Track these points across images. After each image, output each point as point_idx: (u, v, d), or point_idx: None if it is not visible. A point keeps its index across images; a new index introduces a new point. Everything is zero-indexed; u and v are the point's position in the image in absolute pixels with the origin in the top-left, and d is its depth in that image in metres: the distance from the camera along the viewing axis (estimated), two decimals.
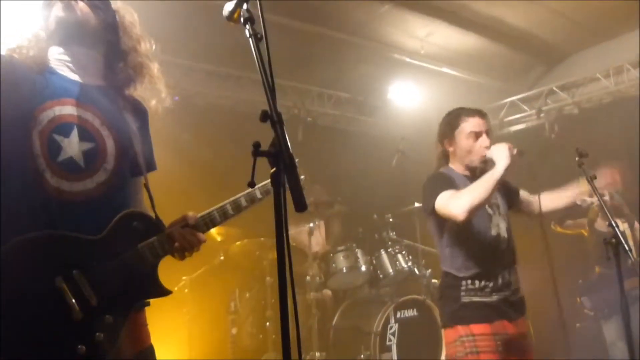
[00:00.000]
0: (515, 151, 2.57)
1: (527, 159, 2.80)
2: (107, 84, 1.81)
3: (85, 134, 1.63)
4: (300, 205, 1.66)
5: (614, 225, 2.91)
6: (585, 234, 4.87)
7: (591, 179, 2.92)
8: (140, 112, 1.89)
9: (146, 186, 1.81)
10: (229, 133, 5.14)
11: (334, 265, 4.57)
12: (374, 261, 4.65)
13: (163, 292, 1.71)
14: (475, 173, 2.69)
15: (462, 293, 2.58)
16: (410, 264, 4.67)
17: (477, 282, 2.57)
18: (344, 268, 4.54)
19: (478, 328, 2.52)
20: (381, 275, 4.61)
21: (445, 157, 2.83)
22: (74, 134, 1.61)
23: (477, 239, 2.61)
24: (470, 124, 2.69)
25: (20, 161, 1.53)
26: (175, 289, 4.64)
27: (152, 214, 1.78)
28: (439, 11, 5.35)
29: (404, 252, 4.69)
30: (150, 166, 1.88)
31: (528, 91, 6.80)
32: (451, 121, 2.79)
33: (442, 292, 2.75)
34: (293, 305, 1.44)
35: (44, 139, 1.56)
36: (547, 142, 6.39)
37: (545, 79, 6.88)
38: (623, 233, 4.52)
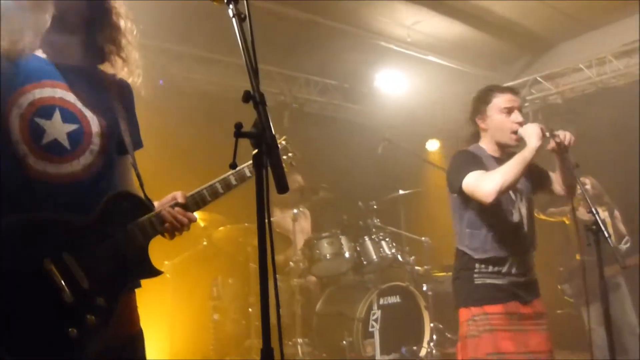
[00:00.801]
0: (548, 133, 2.51)
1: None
2: (88, 63, 1.76)
3: (68, 115, 1.59)
4: (282, 187, 1.64)
5: (595, 212, 2.94)
6: (567, 221, 4.93)
7: (574, 167, 2.95)
8: (124, 90, 1.84)
9: (134, 165, 1.78)
10: (216, 118, 5.09)
11: (318, 251, 4.57)
12: (357, 248, 4.65)
13: (154, 272, 1.69)
14: (505, 152, 2.68)
15: (475, 275, 2.61)
16: (394, 251, 4.68)
17: (490, 267, 2.60)
18: (328, 255, 4.55)
19: (491, 308, 2.55)
20: (365, 262, 4.62)
21: (476, 135, 2.80)
22: (57, 115, 1.57)
23: (498, 223, 2.62)
24: (502, 99, 2.65)
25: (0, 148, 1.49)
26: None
27: (141, 194, 1.76)
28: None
29: (387, 239, 4.70)
30: (137, 144, 1.84)
31: (513, 80, 6.82)
32: (483, 97, 2.73)
33: (457, 272, 2.73)
34: (274, 290, 1.44)
35: (25, 123, 1.52)
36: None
37: (530, 69, 6.92)
38: (603, 221, 4.60)
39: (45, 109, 1.56)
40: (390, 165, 5.44)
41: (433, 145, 6.83)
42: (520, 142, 2.59)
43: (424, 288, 4.66)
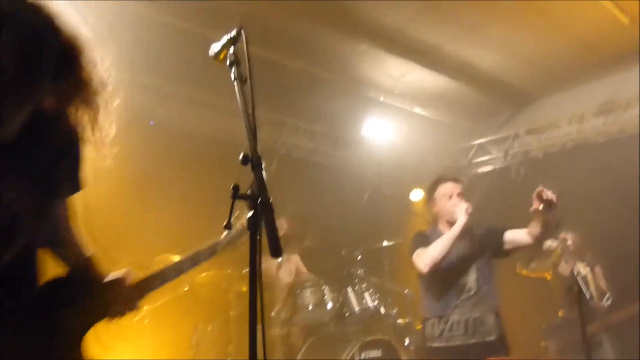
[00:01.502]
0: (471, 210, 3.07)
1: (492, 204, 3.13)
2: None
3: None
4: (276, 251, 1.66)
5: (576, 273, 3.05)
6: (549, 277, 4.97)
7: (556, 227, 3.12)
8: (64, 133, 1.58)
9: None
10: (205, 159, 5.10)
11: (300, 301, 4.52)
12: (340, 298, 4.60)
13: None
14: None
15: (426, 340, 3.13)
16: (376, 302, 4.64)
17: (436, 326, 3.09)
18: (311, 305, 4.49)
19: None
20: (347, 313, 4.56)
21: (434, 219, 3.39)
22: None
23: (447, 289, 3.10)
24: (444, 188, 3.28)
25: None
26: (135, 319, 4.49)
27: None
28: (414, 53, 5.50)
29: (371, 290, 4.67)
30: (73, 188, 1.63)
31: (496, 134, 7.00)
32: (431, 188, 3.39)
33: (419, 336, 3.41)
34: (263, 349, 1.45)
35: None
36: (513, 185, 6.57)
37: (512, 123, 7.10)
38: (585, 277, 4.67)
39: None
40: (376, 215, 5.46)
41: (417, 195, 6.89)
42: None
43: (406, 342, 4.61)
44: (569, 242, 4.80)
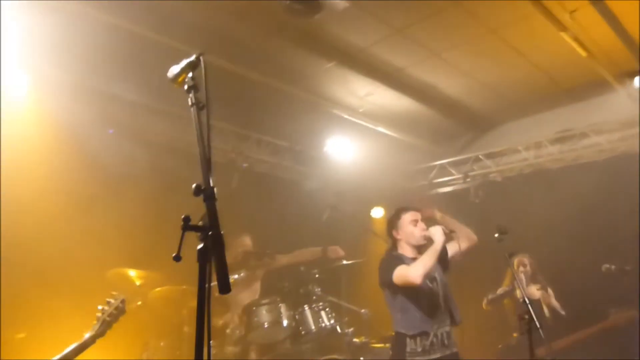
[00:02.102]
0: (447, 230, 3.55)
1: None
2: None
3: None
4: (225, 288, 1.64)
5: (527, 302, 3.18)
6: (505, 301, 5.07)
7: (509, 256, 3.35)
8: None
9: None
10: (162, 169, 5.01)
11: (256, 319, 4.47)
12: (296, 316, 4.58)
13: None
14: (419, 251, 3.60)
15: (408, 355, 3.36)
16: (332, 321, 4.64)
17: (418, 342, 3.38)
18: (266, 323, 4.45)
19: None
20: (303, 332, 4.54)
21: (394, 244, 3.76)
22: None
23: (422, 305, 3.42)
24: (409, 215, 3.69)
25: None
26: (86, 336, 4.37)
27: None
28: (379, 73, 5.57)
29: (327, 309, 4.67)
30: None
31: (456, 156, 7.13)
32: (395, 216, 3.75)
33: (393, 350, 3.57)
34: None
35: None
36: (472, 206, 6.70)
37: (474, 145, 7.26)
38: (538, 301, 4.79)
39: None
40: (335, 232, 5.47)
41: (378, 213, 6.95)
42: (428, 241, 3.56)
43: None
44: (527, 266, 4.93)
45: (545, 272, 5.11)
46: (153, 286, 4.57)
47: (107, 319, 2.83)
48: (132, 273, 4.56)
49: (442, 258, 3.61)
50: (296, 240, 5.56)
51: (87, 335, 2.49)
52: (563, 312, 4.78)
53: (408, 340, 3.40)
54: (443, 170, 7.20)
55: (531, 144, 6.53)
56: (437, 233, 3.50)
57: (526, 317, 3.27)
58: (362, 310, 4.92)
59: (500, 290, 5.03)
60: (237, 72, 5.14)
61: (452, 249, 3.72)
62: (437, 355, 3.37)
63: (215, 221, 1.72)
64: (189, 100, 1.96)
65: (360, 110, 6.12)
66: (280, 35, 4.83)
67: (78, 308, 4.16)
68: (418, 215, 3.70)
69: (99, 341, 4.40)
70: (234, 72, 5.11)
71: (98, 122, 4.92)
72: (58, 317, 4.01)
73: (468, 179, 6.92)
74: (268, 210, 5.74)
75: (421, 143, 7.06)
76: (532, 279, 4.98)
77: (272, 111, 5.97)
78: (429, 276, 3.45)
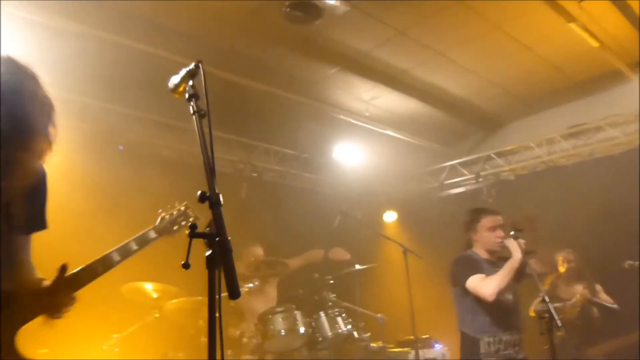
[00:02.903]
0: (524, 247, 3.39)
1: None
2: None
3: None
4: (234, 293, 1.63)
5: (547, 300, 3.11)
6: None
7: (527, 254, 3.28)
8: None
9: None
10: (173, 183, 5.03)
11: (272, 327, 4.44)
12: (312, 323, 4.56)
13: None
14: (494, 255, 3.55)
15: (482, 357, 3.32)
16: (349, 327, 4.60)
17: (492, 345, 3.33)
18: (282, 330, 4.42)
19: None
20: (320, 338, 4.51)
21: (469, 243, 3.68)
22: None
23: (494, 309, 3.35)
24: (488, 220, 3.59)
25: None
26: (105, 347, 4.38)
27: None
28: (383, 76, 5.57)
29: (343, 315, 4.63)
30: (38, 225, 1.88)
31: (467, 156, 7.08)
32: (475, 217, 3.67)
33: (464, 352, 3.48)
34: None
35: None
36: (485, 206, 6.61)
37: (484, 145, 7.21)
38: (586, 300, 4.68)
39: None
40: (347, 238, 5.44)
41: (391, 217, 6.92)
42: (503, 248, 3.48)
43: None
44: (572, 262, 4.86)
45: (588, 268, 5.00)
46: (169, 298, 4.57)
47: (167, 216, 2.54)
48: (148, 286, 4.55)
49: (520, 270, 3.49)
50: (308, 248, 5.55)
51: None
52: (616, 306, 4.67)
53: (481, 342, 3.37)
54: (454, 170, 7.15)
55: (543, 140, 6.44)
56: (515, 249, 3.38)
57: (546, 316, 3.17)
58: (378, 315, 4.88)
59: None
60: (241, 83, 5.18)
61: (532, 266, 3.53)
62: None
63: (222, 227, 1.71)
64: (190, 108, 1.96)
65: (367, 114, 6.11)
66: (282, 43, 4.86)
67: (95, 323, 4.20)
68: (497, 221, 3.60)
69: (118, 355, 4.44)
70: (238, 83, 5.15)
71: (107, 139, 4.98)
72: (77, 333, 4.03)
73: (480, 179, 6.85)
74: (278, 219, 5.74)
75: (430, 144, 7.03)
76: (578, 276, 4.89)
77: (278, 120, 6.00)
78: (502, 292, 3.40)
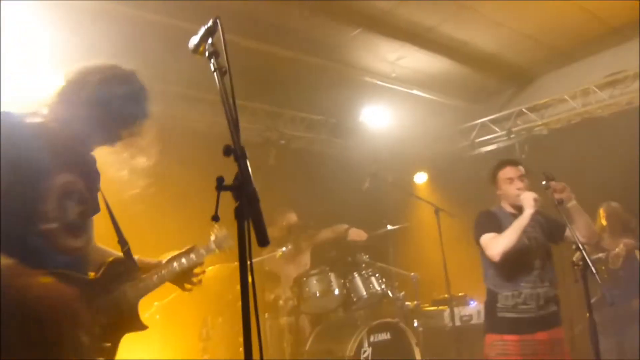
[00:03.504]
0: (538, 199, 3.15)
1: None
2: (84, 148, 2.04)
3: (81, 197, 1.94)
4: (263, 240, 1.66)
5: (582, 248, 3.04)
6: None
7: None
8: (94, 163, 2.11)
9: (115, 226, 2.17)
10: (202, 155, 5.10)
11: (307, 289, 4.52)
12: (347, 284, 4.61)
13: (141, 327, 2.06)
14: (519, 208, 3.26)
15: (498, 310, 3.26)
16: (383, 286, 4.64)
17: (509, 299, 3.22)
18: (317, 292, 4.50)
19: (508, 337, 3.20)
20: (355, 299, 4.57)
21: (499, 198, 3.51)
22: (75, 197, 1.90)
23: (513, 265, 3.22)
24: (504, 172, 3.38)
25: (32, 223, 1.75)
26: (147, 315, 4.54)
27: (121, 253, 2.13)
28: (409, 35, 5.45)
29: (377, 275, 4.67)
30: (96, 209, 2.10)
31: (498, 112, 6.92)
32: (494, 171, 3.47)
33: (486, 304, 3.42)
34: (257, 329, 1.48)
35: (56, 203, 1.81)
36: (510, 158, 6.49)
37: (515, 101, 7.03)
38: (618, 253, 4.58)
39: (70, 192, 1.88)
40: (378, 200, 5.45)
41: (421, 178, 6.87)
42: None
43: (415, 324, 4.62)
44: (615, 215, 4.75)
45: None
46: (206, 265, 4.68)
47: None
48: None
49: (553, 231, 3.37)
50: (339, 212, 5.58)
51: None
52: None
53: (500, 295, 3.30)
54: (485, 128, 7.01)
55: (578, 92, 6.22)
56: (527, 201, 3.17)
57: (580, 263, 3.13)
58: (412, 274, 4.90)
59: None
60: (263, 49, 5.15)
61: (576, 237, 3.09)
62: (530, 315, 3.21)
63: (248, 178, 1.73)
64: (211, 66, 1.97)
65: (393, 75, 6.02)
66: (301, 6, 4.78)
67: None
68: (515, 172, 3.38)
69: (159, 322, 4.60)
70: (260, 50, 5.12)
71: None
72: None
73: (512, 135, 6.71)
74: (308, 186, 5.77)
75: (460, 103, 6.90)
76: (624, 228, 4.79)
77: (303, 86, 5.96)
78: (512, 250, 3.17)
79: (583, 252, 3.06)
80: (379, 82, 6.07)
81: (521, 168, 3.41)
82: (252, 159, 1.74)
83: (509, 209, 3.41)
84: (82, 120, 1.92)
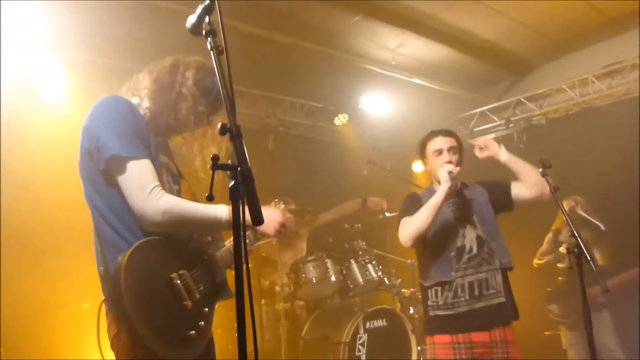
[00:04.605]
0: (456, 171, 2.70)
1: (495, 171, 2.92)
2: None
3: (175, 177, 2.10)
4: (257, 220, 1.66)
5: (577, 235, 2.97)
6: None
7: (554, 190, 3.02)
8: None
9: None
10: None
11: (303, 275, 4.55)
12: (344, 271, 4.64)
13: (230, 295, 2.05)
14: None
15: (429, 308, 2.81)
16: (380, 273, 4.67)
17: (438, 292, 2.75)
18: (314, 278, 4.52)
19: (439, 338, 2.75)
20: (351, 285, 4.60)
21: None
22: (169, 179, 2.05)
23: (440, 251, 2.78)
24: (433, 143, 2.90)
25: None
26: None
27: None
28: (409, 22, 5.41)
29: (374, 262, 4.69)
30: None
31: (497, 102, 6.91)
32: (422, 143, 2.99)
33: (422, 301, 2.97)
34: (251, 314, 1.49)
35: (164, 180, 1.98)
36: (516, 152, 6.45)
37: (514, 90, 7.01)
38: (586, 243, 4.61)
39: (168, 173, 2.04)
40: (376, 187, 5.44)
41: (419, 167, 6.85)
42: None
43: (411, 311, 4.64)
44: (579, 205, 4.73)
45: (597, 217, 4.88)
46: None
47: None
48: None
49: (499, 197, 2.88)
50: (337, 199, 5.58)
51: None
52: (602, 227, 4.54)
53: (429, 291, 2.79)
54: (484, 117, 7.00)
55: (576, 82, 6.21)
56: (442, 174, 2.68)
57: (575, 250, 3.10)
58: (408, 261, 4.90)
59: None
60: (263, 35, 5.12)
61: (518, 188, 2.90)
62: (464, 309, 2.68)
63: (244, 157, 1.73)
64: (208, 45, 1.96)
65: (393, 63, 5.99)
66: None
67: None
68: (444, 143, 2.85)
69: None
70: (260, 36, 5.09)
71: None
72: None
73: (511, 125, 6.70)
74: (307, 173, 5.77)
75: (459, 92, 6.88)
76: (585, 221, 4.77)
77: (302, 73, 5.94)
78: (432, 231, 2.75)
79: (578, 239, 3.01)
80: (378, 70, 6.05)
81: (453, 140, 2.91)
82: (251, 146, 1.74)
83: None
84: (177, 109, 2.05)
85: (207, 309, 1.93)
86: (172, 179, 2.07)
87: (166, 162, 2.07)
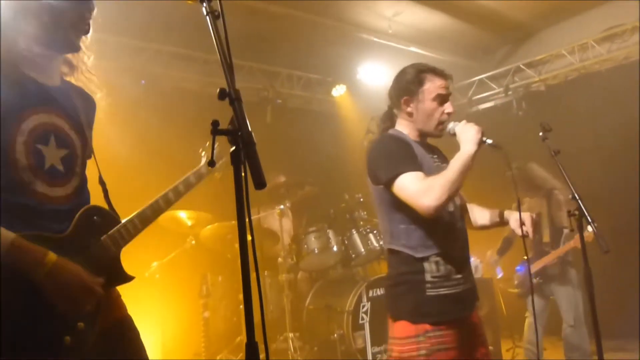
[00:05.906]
0: (485, 139, 2.18)
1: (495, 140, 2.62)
2: (63, 83, 1.81)
3: (61, 140, 1.67)
4: (260, 184, 1.64)
5: (578, 197, 2.96)
6: None
7: (555, 154, 2.98)
8: (88, 101, 1.90)
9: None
10: (196, 114, 5.06)
11: (305, 246, 4.57)
12: (345, 241, 4.66)
13: (127, 278, 1.79)
14: (425, 140, 2.36)
15: (428, 285, 2.16)
16: (382, 242, 4.68)
17: (441, 267, 2.17)
18: (316, 249, 4.55)
19: (444, 324, 2.15)
20: (353, 255, 4.63)
21: (391, 117, 2.44)
22: (52, 141, 1.64)
23: (434, 222, 2.17)
24: (437, 85, 2.29)
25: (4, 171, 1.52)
26: (146, 275, 4.57)
27: (105, 204, 1.83)
28: None
29: (375, 232, 4.70)
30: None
31: (495, 69, 6.86)
32: (415, 78, 2.31)
33: (398, 277, 2.26)
34: (257, 285, 1.46)
35: (29, 149, 1.58)
36: (515, 119, 6.48)
37: (512, 57, 6.96)
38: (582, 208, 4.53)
39: (44, 135, 1.62)
40: None
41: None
42: (444, 134, 2.30)
43: None
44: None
45: (595, 186, 4.81)
46: (203, 225, 4.71)
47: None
48: (183, 214, 4.69)
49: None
50: (337, 171, 5.58)
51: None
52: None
53: (425, 264, 2.21)
54: (482, 85, 6.95)
55: (576, 47, 6.17)
56: (468, 137, 2.14)
57: (576, 213, 3.08)
58: None
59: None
60: (258, 6, 5.05)
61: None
62: (460, 288, 2.23)
63: (244, 122, 1.71)
64: (204, 9, 1.92)
65: (390, 32, 5.92)
66: None
67: (135, 252, 4.37)
68: (447, 89, 2.31)
69: (160, 277, 4.64)
70: (256, 7, 5.02)
71: (128, 74, 4.99)
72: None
73: (509, 92, 6.67)
74: (306, 145, 5.75)
75: (457, 60, 6.81)
76: (531, 186, 4.63)
77: (299, 44, 5.88)
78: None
79: (579, 201, 3.00)
80: (375, 39, 5.98)
81: (450, 85, 2.36)
82: (249, 119, 1.72)
83: (415, 137, 2.33)
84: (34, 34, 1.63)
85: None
86: (59, 141, 1.66)
87: (40, 123, 1.63)
